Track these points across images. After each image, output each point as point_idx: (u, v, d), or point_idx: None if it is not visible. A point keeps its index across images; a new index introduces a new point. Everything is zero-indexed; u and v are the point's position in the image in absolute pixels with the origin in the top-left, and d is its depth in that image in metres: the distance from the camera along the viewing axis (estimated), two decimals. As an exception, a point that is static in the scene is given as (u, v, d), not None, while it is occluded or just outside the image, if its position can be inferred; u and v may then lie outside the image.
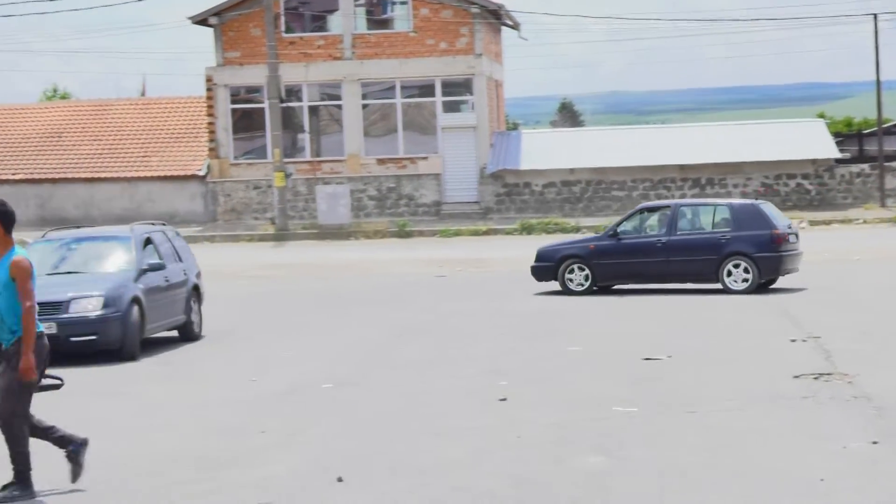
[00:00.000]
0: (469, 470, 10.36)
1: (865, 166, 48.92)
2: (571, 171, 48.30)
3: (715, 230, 25.90)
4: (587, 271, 25.53)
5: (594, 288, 25.65)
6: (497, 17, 50.25)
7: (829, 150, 48.58)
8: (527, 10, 66.47)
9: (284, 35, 46.91)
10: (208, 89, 48.41)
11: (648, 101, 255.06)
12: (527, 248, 35.90)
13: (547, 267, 25.82)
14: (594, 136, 57.07)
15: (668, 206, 27.58)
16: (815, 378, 14.92)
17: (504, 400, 13.76)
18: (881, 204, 46.76)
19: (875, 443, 11.10)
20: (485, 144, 48.32)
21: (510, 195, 48.17)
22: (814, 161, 47.94)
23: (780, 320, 21.13)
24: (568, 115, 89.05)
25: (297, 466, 10.90)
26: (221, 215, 47.52)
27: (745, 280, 24.69)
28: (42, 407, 10.40)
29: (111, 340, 18.24)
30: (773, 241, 24.95)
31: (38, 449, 10.30)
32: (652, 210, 27.83)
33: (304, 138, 48.47)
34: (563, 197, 47.94)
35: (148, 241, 21.11)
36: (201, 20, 48.31)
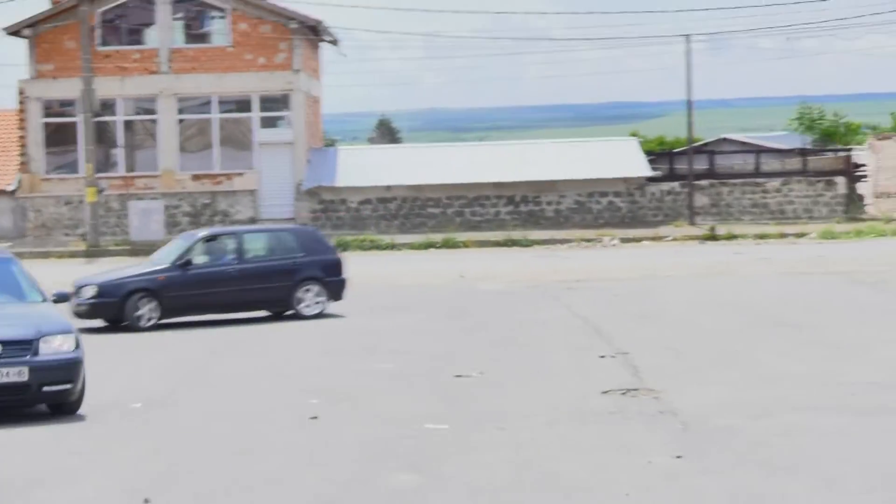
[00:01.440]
0: (275, 487, 10.37)
1: (676, 184, 49.98)
2: (388, 188, 48.77)
3: (285, 256, 26.17)
4: (155, 303, 24.54)
5: (163, 322, 24.55)
6: (316, 33, 50.40)
7: (641, 168, 49.81)
8: (347, 26, 66.80)
9: (100, 48, 46.22)
10: (20, 102, 47.60)
11: (467, 118, 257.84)
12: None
13: (109, 303, 24.16)
14: (411, 153, 57.73)
15: (233, 234, 27.43)
16: (623, 393, 15.27)
17: (315, 418, 13.79)
18: (690, 222, 47.89)
19: (679, 457, 11.41)
20: (301, 160, 48.59)
21: (326, 212, 48.39)
22: (626, 179, 49.04)
23: (591, 337, 21.26)
24: (386, 131, 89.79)
25: (105, 487, 10.72)
26: (31, 231, 46.68)
27: (318, 303, 25.14)
28: None
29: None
30: (338, 264, 26.10)
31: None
32: (214, 238, 26.95)
33: (118, 153, 47.89)
34: (379, 214, 48.35)
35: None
36: (14, 31, 47.29)
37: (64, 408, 14.11)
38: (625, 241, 44.11)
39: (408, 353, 20.41)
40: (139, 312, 24.03)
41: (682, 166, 51.51)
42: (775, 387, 15.53)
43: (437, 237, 44.81)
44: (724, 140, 62.31)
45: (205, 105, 48.23)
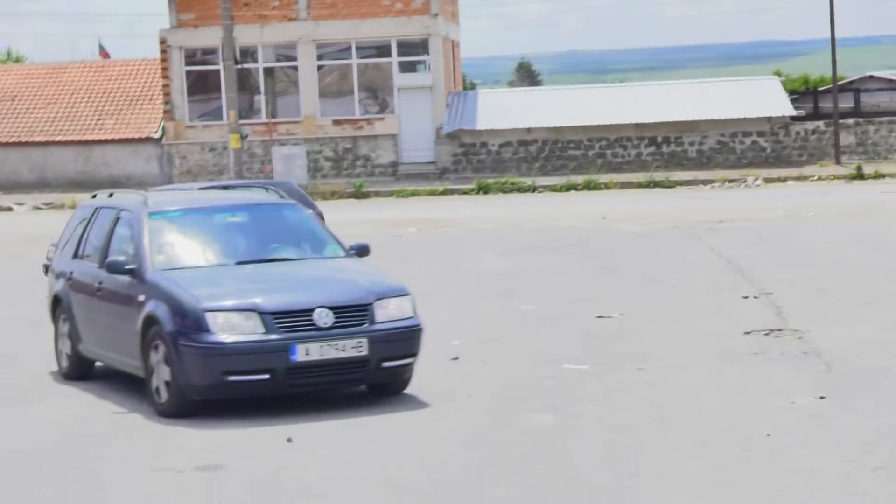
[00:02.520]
0: (420, 431, 10.41)
1: (820, 123, 49.36)
2: (528, 130, 48.75)
3: None
4: None
5: None
6: None
7: (784, 107, 49.30)
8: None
9: None
10: (162, 52, 48.42)
11: (606, 60, 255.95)
12: (484, 208, 36.73)
13: None
14: (551, 96, 57.64)
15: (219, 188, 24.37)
16: (766, 334, 15.06)
17: (456, 359, 13.80)
18: (836, 161, 47.31)
19: (822, 398, 11.32)
20: (441, 105, 48.68)
21: (467, 155, 48.58)
22: (769, 119, 48.59)
23: (734, 276, 21.13)
24: (525, 74, 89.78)
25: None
26: (177, 177, 47.33)
27: None
28: None
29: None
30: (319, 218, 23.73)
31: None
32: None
33: (260, 100, 48.53)
34: (519, 156, 48.41)
35: None
36: None
37: (391, 387, 11.47)
38: (768, 181, 43.76)
39: (548, 294, 20.27)
40: None
41: (826, 105, 51.23)
42: None
43: (578, 179, 44.84)
44: (871, 77, 60.89)
45: (344, 51, 48.60)
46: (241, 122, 44.78)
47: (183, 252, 11.99)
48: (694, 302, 18.58)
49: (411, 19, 47.72)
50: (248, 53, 47.16)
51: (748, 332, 15.17)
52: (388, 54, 48.38)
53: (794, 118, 49.21)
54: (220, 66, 45.46)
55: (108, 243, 12.31)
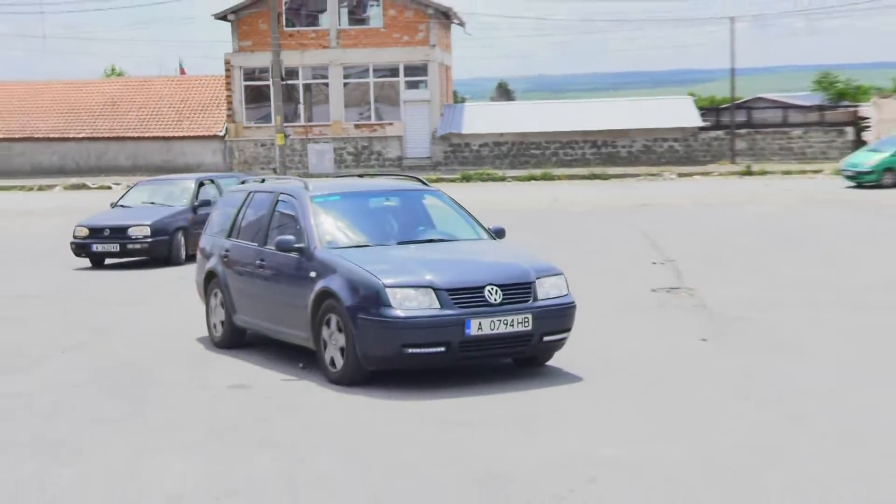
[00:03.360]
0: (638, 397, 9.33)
1: (721, 132, 49.39)
2: (501, 134, 48.53)
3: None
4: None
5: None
6: (447, 17, 50.14)
7: (694, 120, 49.26)
8: (472, 11, 67.21)
9: (285, 29, 46.50)
10: (227, 70, 48.32)
11: (566, 82, 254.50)
12: (466, 193, 36.07)
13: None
14: (520, 109, 57.83)
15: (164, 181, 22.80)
16: (668, 291, 15.13)
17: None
18: (731, 161, 47.30)
19: (704, 340, 11.51)
20: (436, 114, 48.41)
21: (454, 153, 48.34)
22: (682, 129, 48.45)
23: (647, 248, 20.88)
24: (503, 92, 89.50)
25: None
26: (236, 166, 47.31)
27: None
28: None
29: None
30: None
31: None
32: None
33: (300, 108, 48.30)
34: (494, 154, 48.12)
35: None
36: (222, 17, 48.12)
37: (536, 360, 10.03)
38: (681, 175, 43.52)
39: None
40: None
41: (725, 119, 51.16)
42: (788, 289, 15.23)
43: (538, 172, 44.53)
44: (760, 98, 60.94)
45: (363, 72, 48.23)
46: (285, 124, 44.60)
47: (347, 232, 10.23)
48: (616, 266, 18.37)
49: (415, 49, 47.53)
50: (291, 72, 46.71)
51: (654, 290, 15.21)
52: (397, 75, 48.07)
53: (701, 128, 49.01)
54: (270, 82, 44.81)
55: (269, 224, 10.62)
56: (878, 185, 34.45)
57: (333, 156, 47.21)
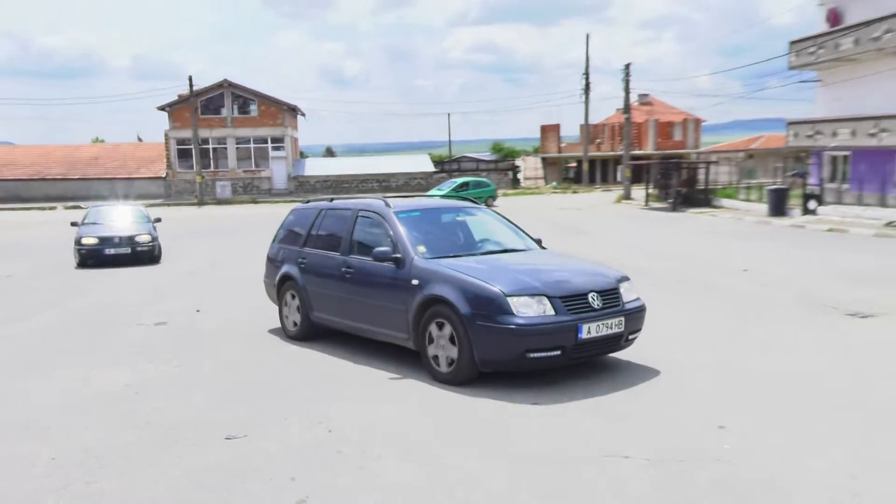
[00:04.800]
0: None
1: (446, 174, 51.18)
2: (327, 176, 50.42)
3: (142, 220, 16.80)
4: None
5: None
6: (294, 110, 51.43)
7: (430, 167, 52.01)
8: (311, 107, 70.93)
9: (201, 116, 47.08)
10: (166, 140, 48.26)
11: (366, 147, 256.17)
12: None
13: None
14: (338, 161, 59.71)
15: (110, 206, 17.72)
16: None
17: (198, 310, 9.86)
18: None
19: None
20: (290, 164, 49.90)
21: (301, 186, 49.71)
22: (424, 172, 51.06)
23: None
24: (329, 153, 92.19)
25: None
26: (173, 195, 47.45)
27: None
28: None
29: None
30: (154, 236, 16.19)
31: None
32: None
33: (210, 162, 48.58)
34: (324, 186, 49.62)
35: None
36: (162, 108, 47.95)
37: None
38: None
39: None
40: None
41: (447, 167, 53.84)
42: None
43: (348, 197, 47.57)
44: (464, 156, 63.16)
45: (247, 140, 49.01)
46: (202, 170, 47.16)
47: (436, 244, 7.09)
48: None
49: (276, 128, 48.78)
50: (205, 140, 47.54)
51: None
52: (266, 143, 49.14)
53: (434, 172, 51.46)
54: (193, 146, 46.00)
55: (351, 236, 7.47)
56: None
57: (231, 188, 47.94)
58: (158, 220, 16.89)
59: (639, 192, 36.19)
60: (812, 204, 23.60)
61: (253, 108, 49.54)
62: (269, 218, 22.53)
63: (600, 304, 6.22)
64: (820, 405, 5.41)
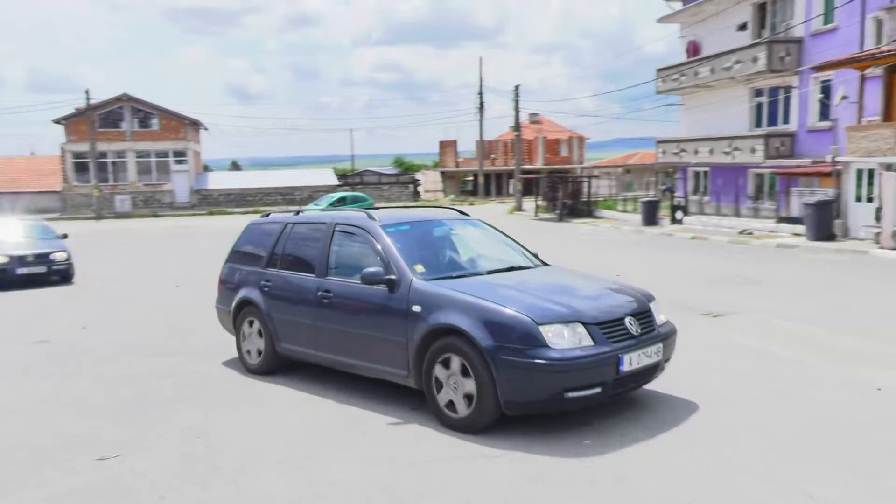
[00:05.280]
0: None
1: (348, 187, 50.80)
2: (230, 189, 48.96)
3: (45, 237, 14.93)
4: None
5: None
6: (196, 124, 49.85)
7: (334, 180, 51.51)
8: (213, 122, 68.85)
9: (99, 129, 44.98)
10: (62, 153, 45.82)
11: (272, 161, 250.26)
12: (210, 221, 35.73)
13: None
14: (243, 175, 57.86)
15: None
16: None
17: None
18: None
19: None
20: (192, 177, 48.24)
21: (204, 199, 48.21)
22: (329, 185, 50.17)
23: None
24: (235, 166, 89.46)
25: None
26: (69, 209, 45.09)
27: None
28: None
29: None
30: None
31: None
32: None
33: (109, 175, 46.52)
34: (227, 200, 48.46)
35: None
36: (57, 121, 45.43)
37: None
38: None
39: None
40: None
41: (350, 180, 53.79)
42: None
43: (252, 209, 45.19)
44: (367, 170, 62.79)
45: (147, 155, 47.20)
46: (100, 183, 44.86)
47: (434, 262, 5.63)
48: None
49: (178, 142, 47.17)
50: (103, 154, 45.56)
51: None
52: (168, 156, 47.44)
53: (338, 185, 50.77)
54: (90, 160, 44.11)
55: (327, 255, 5.93)
56: None
57: (130, 201, 45.95)
58: (65, 235, 15.04)
59: (529, 203, 37.13)
60: (679, 214, 24.99)
61: (154, 121, 47.68)
62: (173, 231, 21.78)
63: (638, 331, 4.92)
64: (658, 396, 5.57)
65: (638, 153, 61.86)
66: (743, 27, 27.83)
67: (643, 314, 5.09)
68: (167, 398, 5.99)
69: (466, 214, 6.65)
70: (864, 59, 18.45)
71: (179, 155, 48.08)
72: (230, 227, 31.26)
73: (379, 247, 5.59)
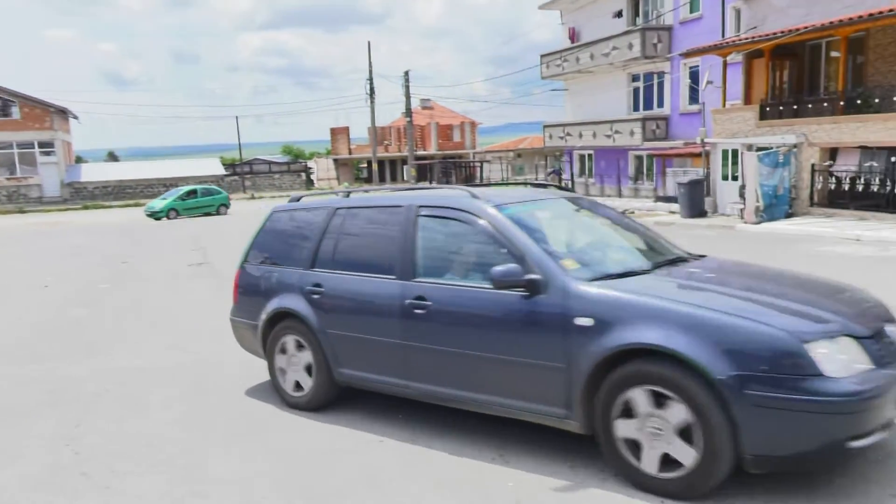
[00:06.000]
0: None
1: (236, 177, 50.68)
2: (107, 181, 46.62)
3: None
4: None
5: None
6: (64, 113, 46.87)
7: (220, 170, 49.83)
8: (86, 110, 64.20)
9: None
10: None
11: (151, 151, 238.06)
12: (83, 216, 34.07)
13: None
14: (121, 166, 54.91)
15: None
16: (198, 265, 13.36)
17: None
18: (244, 192, 49.11)
19: (216, 291, 9.82)
20: (63, 170, 45.48)
21: (77, 192, 45.62)
22: (215, 175, 48.74)
23: (192, 242, 18.05)
24: (112, 157, 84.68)
25: None
26: None
27: None
28: None
29: None
30: None
31: None
32: None
33: None
34: (104, 193, 46.08)
35: None
36: None
37: None
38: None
39: (98, 252, 16.04)
40: None
41: (239, 169, 52.29)
42: None
43: (132, 202, 43.50)
44: (257, 159, 61.25)
45: (9, 146, 43.90)
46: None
47: (583, 257, 4.04)
48: (168, 253, 15.78)
49: (44, 132, 44.15)
50: None
51: (190, 265, 13.42)
52: (33, 147, 44.34)
53: (225, 175, 49.66)
54: None
55: (413, 249, 4.32)
56: (167, 218, 30.37)
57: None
58: None
59: (423, 189, 37.03)
60: (566, 196, 25.73)
61: (15, 110, 44.22)
62: (42, 228, 20.14)
63: None
64: None
65: (528, 137, 63.49)
66: (619, 14, 29.09)
67: (892, 321, 3.50)
68: (29, 405, 5.65)
69: (571, 189, 5.10)
70: (725, 47, 19.75)
71: (46, 146, 45.02)
72: (107, 221, 30.52)
73: (501, 235, 3.93)
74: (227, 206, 33.16)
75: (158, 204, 31.78)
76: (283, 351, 5.08)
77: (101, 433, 4.87)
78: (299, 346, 4.97)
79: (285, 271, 5.11)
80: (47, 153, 45.13)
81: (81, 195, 45.81)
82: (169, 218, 30.67)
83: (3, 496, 3.90)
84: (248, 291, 5.41)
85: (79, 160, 56.05)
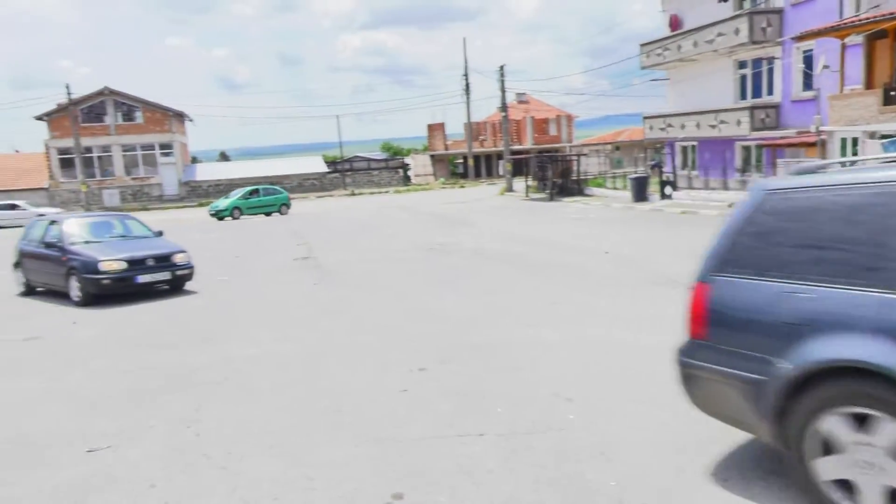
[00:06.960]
0: None
1: (337, 174, 51.64)
2: (219, 180, 48.79)
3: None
4: None
5: None
6: (181, 116, 49.63)
7: (323, 168, 51.55)
8: (199, 113, 67.93)
9: (82, 124, 44.73)
10: (46, 149, 45.52)
11: (260, 151, 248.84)
12: (197, 212, 35.64)
13: None
14: (232, 166, 57.46)
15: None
16: (304, 259, 14.17)
17: None
18: (344, 189, 49.89)
19: (316, 284, 10.89)
20: (180, 170, 48.04)
21: (193, 191, 48.14)
22: (318, 173, 50.61)
23: (293, 236, 19.41)
24: (224, 157, 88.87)
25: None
26: (58, 205, 44.43)
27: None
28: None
29: None
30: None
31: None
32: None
33: (95, 170, 46.31)
34: (217, 191, 47.88)
35: None
36: (39, 117, 45.01)
37: None
38: (319, 198, 45.22)
39: (222, 248, 17.13)
40: None
41: (340, 167, 53.87)
42: (364, 252, 14.52)
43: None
44: (356, 156, 62.69)
45: (133, 148, 46.88)
46: (86, 179, 44.67)
47: None
48: (274, 246, 16.90)
49: (164, 134, 46.92)
50: (88, 149, 45.21)
51: (295, 259, 14.22)
52: (154, 149, 47.14)
53: (327, 172, 50.90)
54: (75, 156, 44.13)
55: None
56: (232, 217, 30.82)
57: (119, 195, 45.90)
58: (160, 233, 12.23)
59: (520, 184, 36.87)
60: (668, 189, 25.04)
61: (138, 114, 47.35)
62: (167, 225, 20.63)
63: None
64: (664, 374, 5.13)
65: (626, 129, 61.77)
66: (724, -1, 27.76)
67: None
68: (156, 389, 6.02)
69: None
70: (843, 28, 18.43)
71: (165, 147, 47.83)
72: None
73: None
74: (287, 205, 33.09)
75: (223, 203, 31.80)
76: (831, 441, 2.96)
77: (221, 418, 5.15)
78: (862, 426, 2.88)
79: (833, 294, 2.94)
80: (167, 154, 48.06)
81: (196, 193, 48.53)
82: (233, 217, 30.88)
83: (131, 473, 4.20)
84: (736, 323, 3.29)
85: (194, 160, 59.35)
